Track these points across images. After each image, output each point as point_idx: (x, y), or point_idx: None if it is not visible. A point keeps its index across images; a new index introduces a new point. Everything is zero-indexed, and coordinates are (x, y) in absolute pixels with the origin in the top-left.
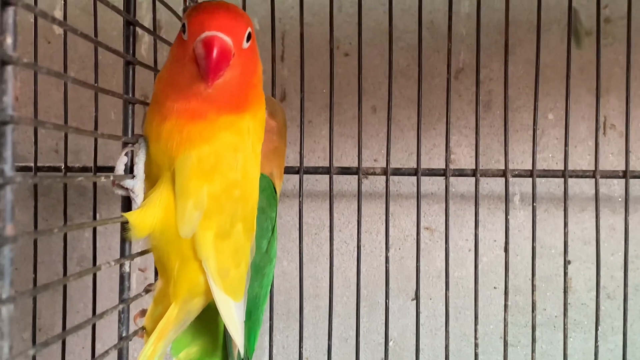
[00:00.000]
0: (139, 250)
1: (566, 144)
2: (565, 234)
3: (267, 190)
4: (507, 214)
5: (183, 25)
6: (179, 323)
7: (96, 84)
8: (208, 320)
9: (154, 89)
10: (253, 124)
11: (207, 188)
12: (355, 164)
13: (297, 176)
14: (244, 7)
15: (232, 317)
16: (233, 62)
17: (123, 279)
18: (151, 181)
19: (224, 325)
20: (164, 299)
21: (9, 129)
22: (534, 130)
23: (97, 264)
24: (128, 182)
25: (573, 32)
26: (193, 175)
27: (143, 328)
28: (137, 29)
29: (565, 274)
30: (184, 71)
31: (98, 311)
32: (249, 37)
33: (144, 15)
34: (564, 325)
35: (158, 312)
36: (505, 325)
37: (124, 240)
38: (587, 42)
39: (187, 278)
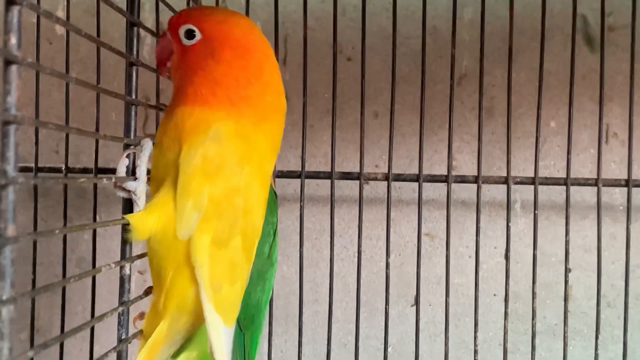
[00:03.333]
0: (139, 253)
1: (568, 152)
2: (567, 242)
3: (269, 197)
4: (508, 221)
5: None
6: (168, 342)
7: (98, 85)
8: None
9: None
10: (254, 131)
11: (209, 189)
12: (357, 169)
13: (298, 180)
14: (247, 10)
15: (220, 340)
16: (176, 59)
17: (123, 281)
18: (155, 185)
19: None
20: (157, 313)
21: (12, 129)
22: (537, 138)
23: (97, 266)
24: (130, 184)
25: (586, 38)
26: (196, 174)
27: (142, 331)
28: (140, 30)
29: (566, 282)
30: None
31: (97, 313)
32: (190, 35)
33: (147, 17)
34: (564, 333)
35: (156, 322)
36: (505, 333)
37: (124, 243)
38: (590, 50)
39: (179, 289)
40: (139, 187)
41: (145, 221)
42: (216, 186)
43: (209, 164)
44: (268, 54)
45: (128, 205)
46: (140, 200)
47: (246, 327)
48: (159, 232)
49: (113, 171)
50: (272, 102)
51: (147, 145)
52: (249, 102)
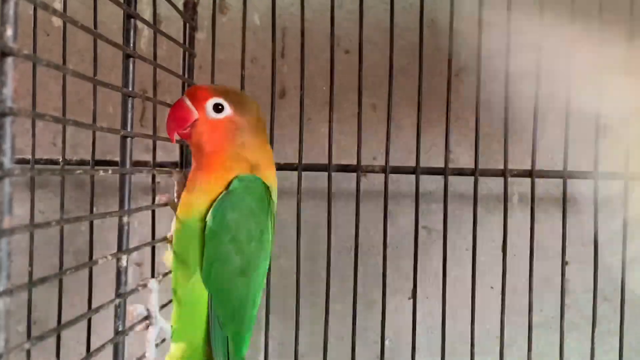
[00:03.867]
0: (136, 245)
1: (566, 145)
2: (564, 235)
3: (256, 192)
4: (505, 214)
5: None
6: None
7: (95, 77)
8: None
9: None
10: None
11: None
12: (354, 162)
13: (295, 173)
14: (244, 3)
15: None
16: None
17: (120, 273)
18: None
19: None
20: None
21: (8, 121)
22: (534, 130)
23: (94, 258)
24: (153, 337)
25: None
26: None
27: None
28: (137, 22)
29: (563, 275)
30: None
31: (94, 305)
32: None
33: (144, 9)
34: (561, 326)
35: None
36: (502, 326)
37: (121, 235)
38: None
39: None
40: (157, 330)
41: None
42: None
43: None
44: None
45: (127, 199)
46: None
47: (224, 325)
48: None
49: (110, 163)
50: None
51: (154, 285)
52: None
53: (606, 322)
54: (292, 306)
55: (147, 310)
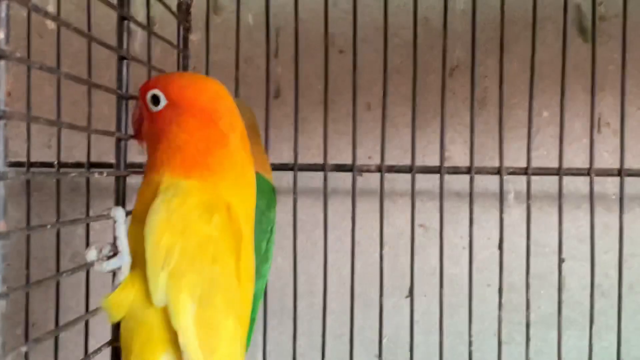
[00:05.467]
0: None
1: (561, 142)
2: (560, 232)
3: (267, 194)
4: (501, 211)
5: None
6: None
7: (89, 80)
8: None
9: None
10: (218, 196)
11: (179, 242)
12: (350, 161)
13: (291, 173)
14: (238, 3)
15: None
16: (146, 125)
17: (116, 275)
18: (133, 260)
19: None
20: None
21: (1, 124)
22: (529, 128)
23: None
24: (114, 263)
25: (579, 28)
26: (160, 228)
27: None
28: (131, 24)
29: (560, 272)
30: None
31: (91, 307)
32: (155, 100)
33: (138, 11)
34: (558, 323)
35: None
36: (500, 323)
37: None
38: (583, 39)
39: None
40: (124, 260)
41: (118, 299)
42: (185, 238)
43: (173, 215)
44: (234, 124)
45: (122, 201)
46: (122, 275)
47: None
48: (133, 305)
49: (106, 165)
50: (236, 174)
51: (119, 213)
52: (212, 171)
53: (604, 317)
54: (289, 305)
55: (115, 245)
